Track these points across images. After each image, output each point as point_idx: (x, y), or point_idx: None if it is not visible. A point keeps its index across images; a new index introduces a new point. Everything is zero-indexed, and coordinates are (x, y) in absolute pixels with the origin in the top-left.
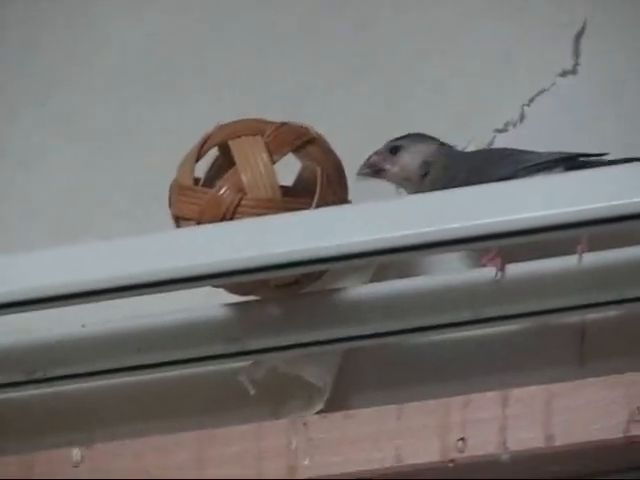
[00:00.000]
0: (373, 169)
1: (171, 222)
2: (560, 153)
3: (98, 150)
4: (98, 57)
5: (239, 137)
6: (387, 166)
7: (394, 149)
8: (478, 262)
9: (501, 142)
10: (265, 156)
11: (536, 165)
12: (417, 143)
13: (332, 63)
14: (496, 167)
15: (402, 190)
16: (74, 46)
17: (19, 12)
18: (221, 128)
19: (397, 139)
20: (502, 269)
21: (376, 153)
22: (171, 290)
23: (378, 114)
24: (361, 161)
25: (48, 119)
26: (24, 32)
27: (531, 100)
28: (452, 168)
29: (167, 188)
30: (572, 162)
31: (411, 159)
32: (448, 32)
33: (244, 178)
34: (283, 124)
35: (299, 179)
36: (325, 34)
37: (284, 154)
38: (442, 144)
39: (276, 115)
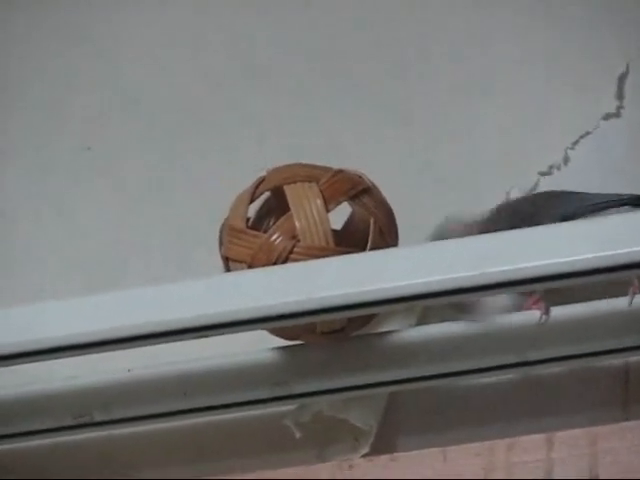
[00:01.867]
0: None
1: (215, 268)
2: (624, 195)
3: (140, 198)
4: (140, 103)
5: (295, 182)
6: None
7: None
8: (523, 305)
9: (545, 186)
10: (320, 203)
11: (604, 203)
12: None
13: (366, 110)
14: (557, 205)
15: None
16: (117, 91)
17: (56, 57)
18: (276, 171)
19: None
20: (547, 313)
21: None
22: (219, 334)
23: (414, 161)
24: (400, 210)
25: (91, 166)
26: (65, 77)
27: (575, 143)
28: (513, 214)
29: (209, 235)
30: (637, 203)
31: None
32: (490, 76)
33: (298, 225)
34: (339, 172)
35: (349, 224)
36: (358, 81)
37: (339, 203)
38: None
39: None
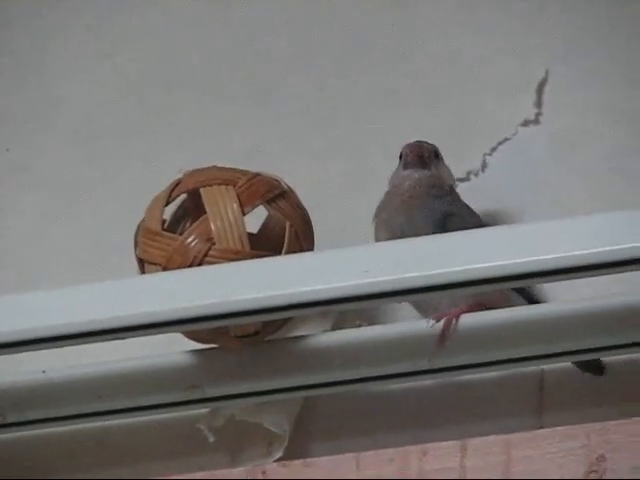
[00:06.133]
0: (423, 159)
1: (131, 271)
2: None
3: (57, 200)
4: (59, 105)
5: (211, 185)
6: (431, 165)
7: (437, 154)
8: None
9: (463, 192)
10: (236, 207)
11: None
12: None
13: (287, 114)
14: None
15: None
16: (37, 92)
17: None
18: (192, 174)
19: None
20: (443, 336)
21: (423, 147)
22: (134, 336)
23: (337, 168)
24: (319, 215)
25: (9, 167)
26: None
27: (493, 149)
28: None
29: (126, 237)
30: None
31: (447, 172)
32: (410, 81)
33: (213, 228)
34: (255, 175)
35: (265, 228)
36: (279, 86)
37: (255, 206)
38: None
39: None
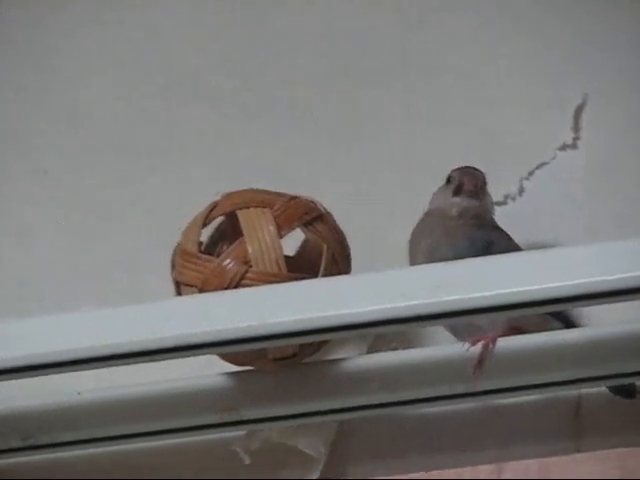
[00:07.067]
0: (477, 189)
1: (167, 293)
2: None
3: (92, 220)
4: (94, 129)
5: (248, 208)
6: (480, 195)
7: (485, 183)
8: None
9: (500, 216)
10: (273, 229)
11: None
12: None
13: (322, 137)
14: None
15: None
16: (70, 117)
17: (15, 81)
18: (229, 196)
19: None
20: (481, 361)
21: (478, 177)
22: (170, 358)
23: (366, 189)
24: (350, 235)
25: (44, 189)
26: (20, 102)
27: (531, 174)
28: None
29: (162, 259)
30: None
31: (490, 202)
32: (444, 103)
33: (250, 250)
34: (293, 198)
35: (303, 251)
36: (314, 109)
37: (292, 229)
38: None
39: (266, 187)
